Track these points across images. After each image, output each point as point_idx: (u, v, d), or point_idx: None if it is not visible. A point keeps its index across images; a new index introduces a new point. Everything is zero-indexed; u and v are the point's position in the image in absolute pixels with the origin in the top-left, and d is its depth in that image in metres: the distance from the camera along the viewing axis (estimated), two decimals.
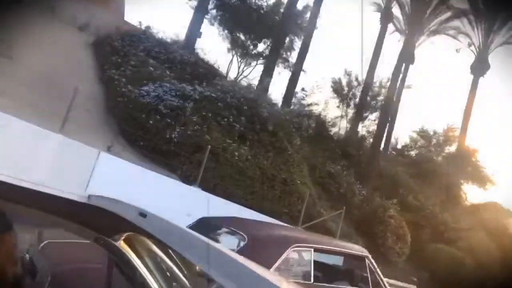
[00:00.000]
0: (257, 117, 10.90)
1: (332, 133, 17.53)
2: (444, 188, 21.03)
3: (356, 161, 15.78)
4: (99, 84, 11.62)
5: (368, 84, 21.14)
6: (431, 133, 26.66)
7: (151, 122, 9.27)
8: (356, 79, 24.73)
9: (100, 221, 2.23)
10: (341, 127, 22.83)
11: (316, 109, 19.05)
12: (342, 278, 5.33)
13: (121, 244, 1.62)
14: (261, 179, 9.94)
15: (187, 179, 8.96)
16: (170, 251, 1.75)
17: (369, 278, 4.77)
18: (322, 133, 15.49)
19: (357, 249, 5.23)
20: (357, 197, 13.58)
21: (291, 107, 17.30)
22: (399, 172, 17.16)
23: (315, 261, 4.42)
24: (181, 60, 12.94)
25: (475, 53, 21.08)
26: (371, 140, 18.88)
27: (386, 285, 5.11)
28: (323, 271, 5.29)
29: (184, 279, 1.83)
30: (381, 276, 5.12)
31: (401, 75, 23.81)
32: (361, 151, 16.72)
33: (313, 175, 13.05)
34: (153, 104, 9.61)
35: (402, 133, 28.67)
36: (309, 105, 18.47)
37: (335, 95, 25.37)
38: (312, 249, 4.54)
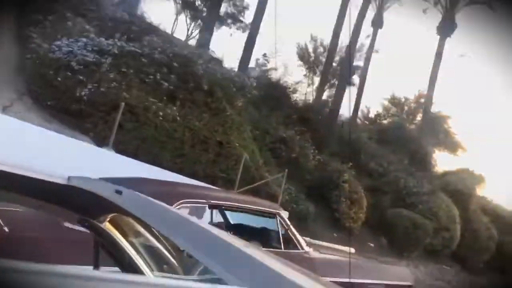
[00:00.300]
0: (191, 75, 9.91)
1: (292, 99, 16.62)
2: (411, 154, 20.54)
3: (314, 127, 14.96)
4: (15, 45, 10.51)
5: (331, 50, 20.18)
6: (403, 100, 26.09)
7: (59, 79, 8.21)
8: (322, 44, 23.83)
9: (82, 202, 2.15)
10: (307, 93, 22.05)
11: (274, 74, 18.17)
12: (252, 238, 4.73)
13: (107, 226, 1.57)
14: (192, 141, 9.03)
15: (103, 141, 8.04)
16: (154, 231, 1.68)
17: (281, 236, 4.28)
18: (276, 97, 14.59)
19: (268, 205, 4.71)
20: (311, 162, 12.81)
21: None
22: (362, 138, 16.44)
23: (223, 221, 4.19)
24: (113, 18, 11.75)
25: (442, 13, 20.21)
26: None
27: (302, 242, 4.51)
28: (229, 230, 4.64)
29: (174, 260, 1.82)
30: (295, 233, 4.53)
31: (369, 40, 22.98)
32: (320, 116, 15.92)
33: (262, 139, 12.22)
34: (64, 60, 8.52)
35: (375, 102, 27.91)
36: (268, 70, 17.55)
37: (302, 62, 24.52)
38: (207, 205, 4.17)
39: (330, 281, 1.25)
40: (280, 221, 4.47)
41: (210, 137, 9.34)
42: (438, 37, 20.61)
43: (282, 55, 19.45)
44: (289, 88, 17.22)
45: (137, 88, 8.72)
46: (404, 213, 13.65)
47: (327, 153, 14.48)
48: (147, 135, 8.40)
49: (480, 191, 27.85)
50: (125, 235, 1.58)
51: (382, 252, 12.72)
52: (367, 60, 22.68)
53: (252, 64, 17.90)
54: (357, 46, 22.38)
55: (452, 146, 24.62)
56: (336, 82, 21.60)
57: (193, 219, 1.41)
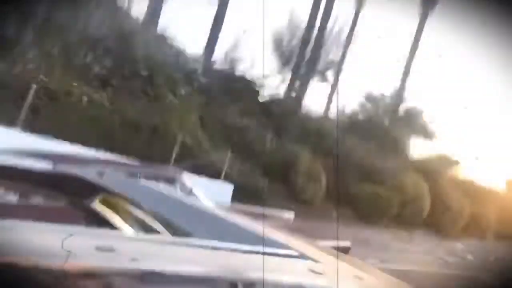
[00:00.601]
0: (129, 58, 9.26)
1: (256, 90, 16.00)
2: (384, 143, 20.18)
3: (276, 118, 14.48)
4: None
5: (305, 40, 19.55)
6: (379, 96, 25.57)
7: None
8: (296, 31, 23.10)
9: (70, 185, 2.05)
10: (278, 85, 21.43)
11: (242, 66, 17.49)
12: None
13: (97, 205, 1.59)
14: (122, 126, 8.39)
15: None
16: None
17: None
18: (238, 89, 14.01)
19: (167, 170, 4.73)
20: (268, 146, 12.45)
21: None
22: (327, 126, 15.95)
23: None
24: None
25: None
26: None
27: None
28: None
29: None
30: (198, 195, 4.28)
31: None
32: (284, 107, 15.37)
33: (215, 127, 11.75)
34: None
35: (351, 98, 27.24)
36: (234, 60, 16.84)
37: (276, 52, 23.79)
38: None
39: None
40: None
41: (143, 122, 8.71)
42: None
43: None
44: (253, 81, 16.59)
45: (60, 70, 8.04)
46: (367, 186, 13.67)
47: (289, 139, 14.06)
48: (70, 120, 7.75)
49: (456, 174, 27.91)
50: (117, 215, 1.60)
51: (345, 222, 12.52)
52: (343, 53, 22.10)
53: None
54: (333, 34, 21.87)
55: (427, 134, 24.26)
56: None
57: (165, 190, 1.65)
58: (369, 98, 24.91)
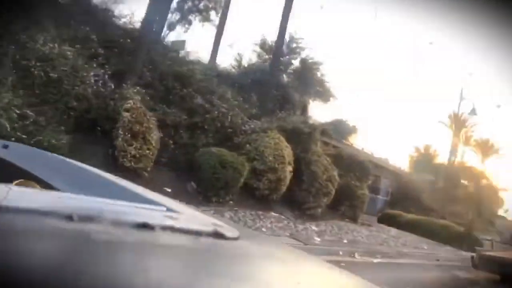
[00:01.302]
0: None
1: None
2: (270, 98, 18.70)
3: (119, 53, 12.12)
4: None
5: None
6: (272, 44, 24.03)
7: None
8: None
9: None
10: None
11: None
12: None
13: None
14: None
15: None
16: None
17: None
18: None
19: None
20: (80, 88, 9.91)
21: None
22: (188, 72, 13.90)
23: None
24: None
25: None
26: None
27: None
28: None
29: None
30: None
31: None
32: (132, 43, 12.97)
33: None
34: None
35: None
36: None
37: None
38: None
39: None
40: None
41: None
42: None
43: None
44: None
45: None
46: (213, 151, 11.45)
47: (133, 83, 11.73)
48: None
49: (352, 140, 27.62)
50: None
51: (188, 198, 10.50)
52: None
53: None
54: None
55: (324, 94, 23.45)
56: None
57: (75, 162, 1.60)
58: (263, 46, 23.38)
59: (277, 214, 12.96)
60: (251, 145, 12.78)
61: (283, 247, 1.21)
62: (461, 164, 38.03)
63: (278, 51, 19.08)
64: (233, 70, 21.46)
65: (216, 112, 12.87)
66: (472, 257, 10.91)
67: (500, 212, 37.44)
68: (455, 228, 18.80)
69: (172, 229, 0.78)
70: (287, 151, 13.17)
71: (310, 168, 14.18)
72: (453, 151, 31.02)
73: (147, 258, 0.64)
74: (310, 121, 18.69)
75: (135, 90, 10.40)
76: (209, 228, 0.84)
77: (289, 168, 13.13)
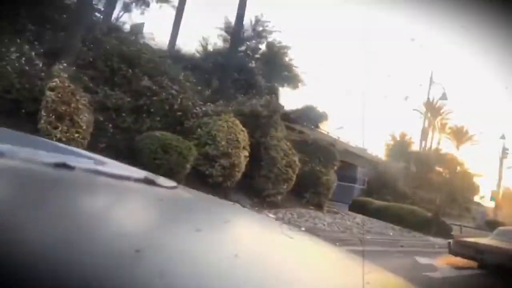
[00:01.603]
0: None
1: None
2: (232, 82, 17.89)
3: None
4: None
5: None
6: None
7: None
8: None
9: None
10: None
11: None
12: None
13: None
14: None
15: None
16: None
17: None
18: None
19: None
20: (5, 65, 8.89)
21: None
22: (137, 52, 12.93)
23: None
24: None
25: None
26: None
27: None
28: None
29: None
30: None
31: None
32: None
33: None
34: None
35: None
36: None
37: None
38: None
39: None
40: None
41: None
42: None
43: None
44: None
45: None
46: (155, 134, 10.57)
47: (71, 62, 10.71)
48: None
49: (327, 128, 27.01)
50: None
51: None
52: None
53: None
54: None
55: (292, 79, 22.72)
56: None
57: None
58: (228, 30, 22.40)
59: (232, 203, 12.19)
60: (203, 129, 11.94)
61: (219, 200, 1.39)
62: (436, 151, 38.11)
63: (236, 34, 18.22)
64: (197, 54, 20.47)
65: (163, 94, 11.96)
66: (449, 243, 10.88)
67: (477, 198, 37.70)
68: (423, 214, 18.41)
69: (96, 171, 0.80)
70: (242, 135, 12.38)
71: (269, 153, 13.43)
72: (426, 138, 30.79)
73: (64, 194, 0.64)
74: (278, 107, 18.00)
75: (61, 67, 9.38)
76: (140, 175, 0.89)
77: (245, 153, 12.35)
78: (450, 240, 11.22)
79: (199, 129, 11.96)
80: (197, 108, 12.29)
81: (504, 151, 30.88)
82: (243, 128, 12.58)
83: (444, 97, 25.17)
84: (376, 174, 30.05)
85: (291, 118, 22.03)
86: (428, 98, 25.60)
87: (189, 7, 20.09)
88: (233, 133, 12.05)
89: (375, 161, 33.00)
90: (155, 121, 11.68)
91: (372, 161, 32.68)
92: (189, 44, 22.20)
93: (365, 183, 30.97)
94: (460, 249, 10.35)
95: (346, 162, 29.40)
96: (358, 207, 20.38)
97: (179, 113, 12.05)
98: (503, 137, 30.94)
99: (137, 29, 18.96)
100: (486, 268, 9.91)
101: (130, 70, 12.21)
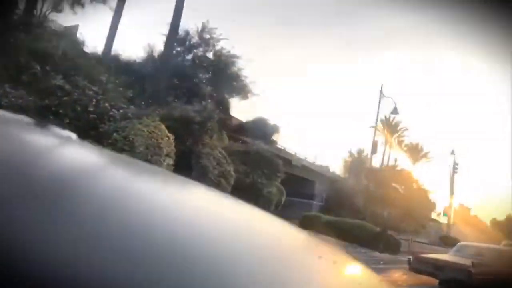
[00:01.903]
0: None
1: None
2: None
3: None
4: None
5: None
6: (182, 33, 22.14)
7: None
8: None
9: None
10: None
11: None
12: None
13: None
14: None
15: None
16: None
17: None
18: None
19: None
20: None
21: None
22: (52, 49, 11.63)
23: None
24: None
25: None
26: None
27: None
28: None
29: None
30: None
31: None
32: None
33: None
34: None
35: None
36: None
37: None
38: None
39: None
40: None
41: None
42: None
43: None
44: None
45: None
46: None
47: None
48: None
49: (281, 142, 26.15)
50: None
51: None
52: None
53: None
54: None
55: (241, 90, 21.84)
56: None
57: None
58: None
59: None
60: (119, 134, 10.66)
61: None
62: (392, 168, 38.18)
63: (169, 41, 17.33)
64: (137, 60, 19.23)
65: (76, 95, 10.64)
66: (409, 259, 10.69)
67: (434, 216, 37.87)
68: (372, 228, 17.69)
69: None
70: (166, 141, 11.18)
71: (200, 162, 12.28)
72: (376, 151, 30.57)
73: None
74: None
75: None
76: None
77: (168, 161, 11.13)
78: (410, 257, 10.94)
79: (115, 134, 10.67)
80: (114, 110, 11.01)
81: (454, 166, 31.16)
82: (169, 134, 11.40)
83: (395, 111, 25.03)
84: (334, 191, 29.63)
85: (242, 130, 21.11)
86: (378, 112, 25.29)
87: (130, 12, 18.91)
88: (154, 138, 10.84)
89: (334, 178, 32.63)
90: (64, 124, 10.29)
91: (331, 177, 32.26)
92: (129, 50, 21.04)
93: (323, 200, 30.40)
94: (420, 265, 10.09)
95: (305, 178, 28.79)
96: (307, 223, 19.47)
97: (93, 116, 10.72)
98: (453, 152, 31.27)
99: (71, 30, 17.64)
100: (446, 285, 9.55)
101: (39, 68, 10.85)
